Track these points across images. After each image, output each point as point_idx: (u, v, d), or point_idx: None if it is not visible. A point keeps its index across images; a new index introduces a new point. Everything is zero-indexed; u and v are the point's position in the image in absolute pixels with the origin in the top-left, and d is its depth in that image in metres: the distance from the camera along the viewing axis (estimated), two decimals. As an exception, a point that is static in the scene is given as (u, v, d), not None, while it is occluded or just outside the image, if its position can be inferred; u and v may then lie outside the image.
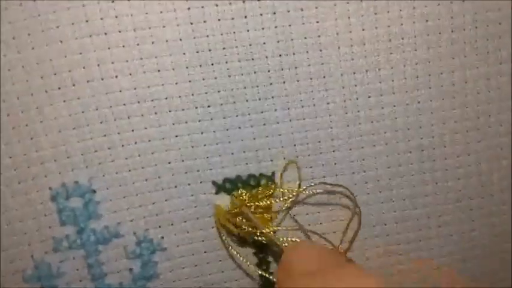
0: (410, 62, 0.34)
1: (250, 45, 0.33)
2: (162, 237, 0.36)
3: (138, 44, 0.33)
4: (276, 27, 0.33)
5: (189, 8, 0.32)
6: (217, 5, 0.32)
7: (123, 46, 0.33)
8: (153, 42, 0.33)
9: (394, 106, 0.35)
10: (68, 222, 0.35)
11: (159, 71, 0.33)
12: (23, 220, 0.35)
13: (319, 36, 0.33)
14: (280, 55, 0.33)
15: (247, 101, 0.34)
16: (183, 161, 0.35)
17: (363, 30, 0.33)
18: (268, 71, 0.34)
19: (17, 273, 0.36)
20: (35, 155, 0.34)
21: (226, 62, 0.33)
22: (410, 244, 0.38)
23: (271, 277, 0.37)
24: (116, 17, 0.32)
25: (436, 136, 0.36)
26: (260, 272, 0.37)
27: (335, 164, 0.36)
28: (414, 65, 0.34)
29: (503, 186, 0.37)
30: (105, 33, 0.32)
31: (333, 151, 0.36)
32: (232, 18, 0.33)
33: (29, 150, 0.34)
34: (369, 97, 0.35)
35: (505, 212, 0.38)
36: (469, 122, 0.36)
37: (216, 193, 0.36)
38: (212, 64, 0.33)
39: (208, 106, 0.34)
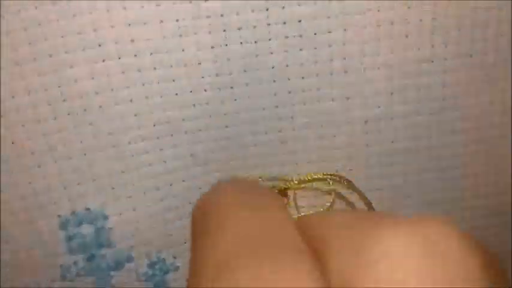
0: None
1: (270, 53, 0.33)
2: (175, 257, 0.36)
3: (155, 68, 0.31)
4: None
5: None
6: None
7: (139, 70, 0.31)
8: (171, 66, 0.31)
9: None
10: (78, 250, 0.34)
11: (176, 94, 0.32)
12: (29, 249, 0.33)
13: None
14: (301, 49, 0.32)
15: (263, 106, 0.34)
16: (195, 177, 0.35)
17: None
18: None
19: (24, 301, 0.34)
20: (43, 183, 0.32)
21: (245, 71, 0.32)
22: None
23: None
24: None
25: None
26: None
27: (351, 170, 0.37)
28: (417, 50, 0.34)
29: (503, 186, 0.39)
30: (116, 42, 0.30)
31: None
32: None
33: (36, 179, 0.32)
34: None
35: (504, 211, 0.41)
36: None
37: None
38: (230, 74, 0.32)
39: (226, 127, 0.34)
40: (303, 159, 0.36)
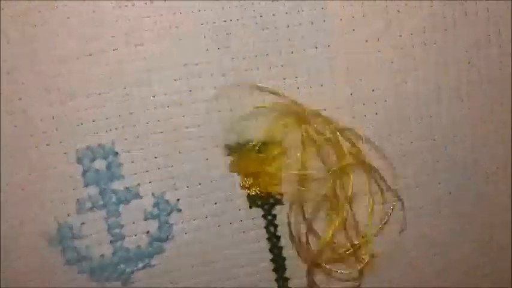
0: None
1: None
2: (178, 200, 0.39)
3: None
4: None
5: None
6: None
7: (148, 17, 0.37)
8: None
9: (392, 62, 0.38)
10: (91, 183, 0.38)
11: (180, 40, 0.37)
12: (47, 182, 0.37)
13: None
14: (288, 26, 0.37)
15: (258, 69, 0.38)
16: (199, 126, 0.38)
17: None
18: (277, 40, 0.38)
19: (41, 235, 0.38)
20: (65, 118, 0.37)
21: (242, 37, 0.37)
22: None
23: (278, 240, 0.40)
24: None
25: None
26: (268, 236, 0.40)
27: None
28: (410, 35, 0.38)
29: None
30: None
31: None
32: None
33: (60, 116, 0.37)
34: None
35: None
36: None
37: (229, 155, 0.39)
38: (227, 34, 0.37)
39: (223, 75, 0.38)
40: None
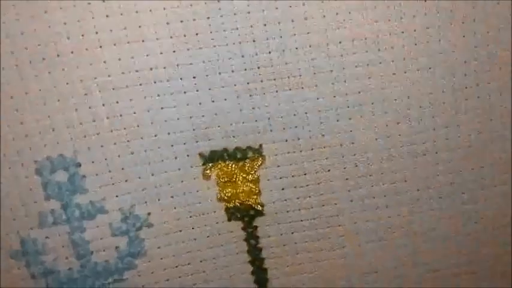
0: (396, 31, 0.34)
1: (234, 14, 0.33)
2: (149, 214, 0.36)
3: (121, 14, 0.32)
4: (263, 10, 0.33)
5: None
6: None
7: (107, 16, 0.32)
8: (137, 12, 0.32)
9: (381, 76, 0.34)
10: (53, 196, 0.35)
11: (143, 41, 0.33)
12: (8, 195, 0.35)
13: (303, 4, 0.33)
14: (265, 24, 0.33)
15: (232, 71, 0.34)
16: (169, 133, 0.35)
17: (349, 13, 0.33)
18: (254, 41, 0.33)
19: (3, 249, 0.35)
20: (20, 128, 0.34)
21: (211, 32, 0.33)
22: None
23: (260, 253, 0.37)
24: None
25: (424, 106, 0.35)
26: (248, 248, 0.37)
27: (322, 135, 0.35)
28: (400, 34, 0.34)
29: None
30: (89, 3, 0.32)
31: (321, 122, 0.35)
32: (217, -12, 0.33)
33: (14, 123, 0.34)
34: (356, 67, 0.34)
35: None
36: (457, 92, 0.35)
37: (203, 164, 0.35)
38: (197, 34, 0.33)
39: (194, 77, 0.34)
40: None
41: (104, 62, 0.33)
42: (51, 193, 0.35)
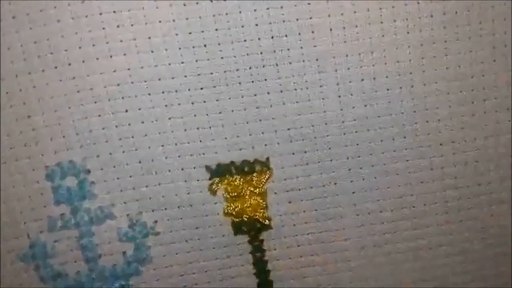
0: (403, 44, 0.33)
1: (242, 26, 0.33)
2: (156, 222, 0.36)
3: (132, 25, 0.33)
4: (268, 8, 0.33)
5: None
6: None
7: (117, 26, 0.33)
8: (146, 23, 0.33)
9: (388, 90, 0.34)
10: (62, 201, 0.36)
11: (152, 51, 0.33)
12: (19, 198, 0.36)
13: (311, 18, 0.33)
14: (272, 37, 0.33)
15: (239, 83, 0.34)
16: (176, 144, 0.35)
17: (355, 12, 0.33)
18: (261, 53, 0.34)
19: (13, 252, 0.36)
20: (32, 134, 0.35)
21: (219, 44, 0.33)
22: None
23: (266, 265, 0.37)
24: (111, -3, 0.33)
25: (431, 121, 0.35)
26: (254, 261, 0.37)
27: (329, 148, 0.35)
28: (407, 47, 0.33)
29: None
30: (100, 13, 0.33)
31: (327, 135, 0.35)
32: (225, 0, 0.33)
33: (26, 129, 0.35)
34: (362, 80, 0.34)
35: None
36: (466, 106, 0.35)
37: (210, 179, 0.36)
38: (205, 45, 0.33)
39: (201, 88, 0.34)
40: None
41: (114, 71, 0.34)
42: (60, 198, 0.36)
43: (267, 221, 0.36)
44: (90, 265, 0.37)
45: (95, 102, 0.34)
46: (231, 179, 0.36)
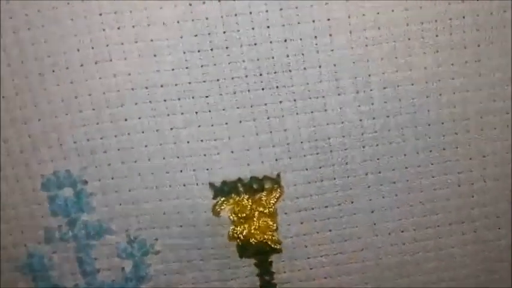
0: (430, 49, 0.30)
1: (253, 28, 0.30)
2: (156, 239, 0.34)
3: (133, 27, 0.31)
4: (281, 9, 0.30)
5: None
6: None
7: (118, 28, 0.31)
8: (148, 25, 0.30)
9: (413, 99, 0.31)
10: (59, 212, 0.33)
11: (154, 55, 0.31)
12: (15, 207, 0.34)
13: (328, 19, 0.30)
14: (285, 40, 0.30)
15: (249, 91, 0.31)
16: (178, 157, 0.32)
17: (377, 13, 0.30)
18: (273, 58, 0.31)
19: (10, 262, 0.34)
20: (28, 140, 0.33)
21: (227, 48, 0.31)
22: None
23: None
24: (112, -2, 0.30)
25: (460, 132, 0.31)
26: (261, 284, 0.34)
27: (346, 163, 0.32)
28: (435, 52, 0.30)
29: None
30: (100, 14, 0.31)
31: (345, 149, 0.32)
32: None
33: (22, 135, 0.32)
34: (384, 88, 0.31)
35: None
36: (495, 116, 0.31)
37: (214, 198, 0.33)
38: (211, 49, 0.31)
39: (207, 96, 0.31)
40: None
41: (114, 76, 0.31)
42: (57, 209, 0.33)
43: (277, 245, 0.33)
44: (88, 279, 0.35)
45: (93, 110, 0.32)
46: (237, 198, 0.33)
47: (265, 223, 0.33)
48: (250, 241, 0.33)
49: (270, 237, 0.33)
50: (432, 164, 0.32)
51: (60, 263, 0.34)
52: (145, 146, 0.32)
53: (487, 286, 0.35)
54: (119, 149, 0.32)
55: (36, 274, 0.35)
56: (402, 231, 0.33)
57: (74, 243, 0.34)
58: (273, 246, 0.33)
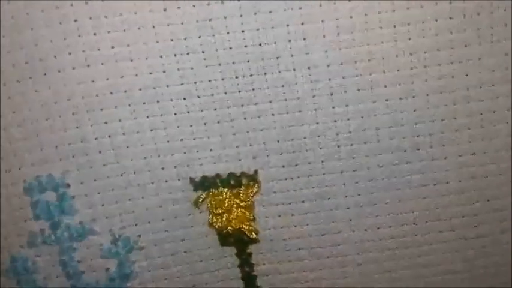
0: (404, 52, 0.31)
1: (228, 33, 0.31)
2: (139, 236, 0.35)
3: (108, 32, 0.31)
4: (255, 13, 0.30)
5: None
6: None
7: (94, 34, 0.31)
8: (124, 30, 0.31)
9: (386, 100, 0.32)
10: (42, 216, 0.34)
11: (131, 60, 0.31)
12: (-1, 212, 0.34)
13: (302, 23, 0.30)
14: (260, 44, 0.31)
15: (225, 93, 0.32)
16: (159, 156, 0.33)
17: (351, 17, 0.30)
18: (248, 61, 0.31)
19: (-6, 266, 0.35)
20: (9, 146, 0.33)
21: (203, 52, 0.31)
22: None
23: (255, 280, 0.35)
24: (86, 3, 0.30)
25: (434, 133, 0.32)
26: (242, 276, 0.36)
27: (322, 161, 0.33)
28: (408, 55, 0.31)
29: (504, 186, 0.34)
30: (75, 20, 0.31)
31: (320, 148, 0.33)
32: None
33: (3, 141, 0.33)
34: (358, 90, 0.32)
35: (505, 211, 0.35)
36: (470, 118, 0.32)
37: (194, 190, 0.34)
38: (188, 53, 0.31)
39: (184, 98, 0.32)
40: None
41: (92, 81, 0.32)
42: (40, 213, 0.34)
43: (253, 234, 0.35)
44: (73, 281, 0.35)
45: (73, 114, 0.32)
46: (216, 191, 0.34)
47: (242, 213, 0.34)
48: (228, 229, 0.34)
49: (247, 227, 0.34)
50: (407, 164, 0.33)
51: (44, 267, 0.35)
52: (127, 147, 0.33)
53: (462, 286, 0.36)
54: (100, 152, 0.33)
55: (20, 278, 0.35)
56: (378, 228, 0.35)
57: (57, 246, 0.35)
58: (249, 235, 0.34)
